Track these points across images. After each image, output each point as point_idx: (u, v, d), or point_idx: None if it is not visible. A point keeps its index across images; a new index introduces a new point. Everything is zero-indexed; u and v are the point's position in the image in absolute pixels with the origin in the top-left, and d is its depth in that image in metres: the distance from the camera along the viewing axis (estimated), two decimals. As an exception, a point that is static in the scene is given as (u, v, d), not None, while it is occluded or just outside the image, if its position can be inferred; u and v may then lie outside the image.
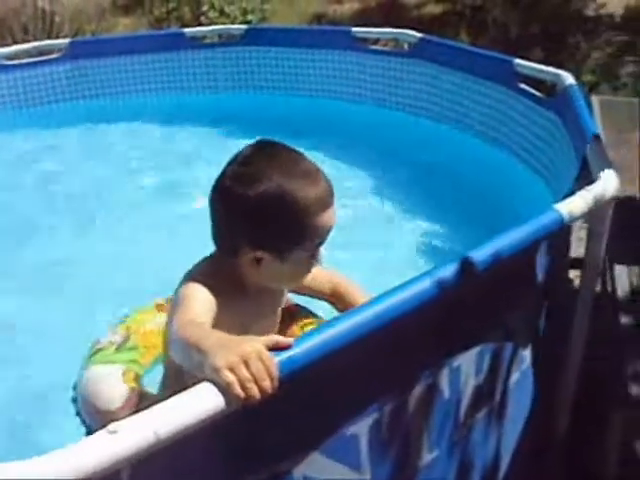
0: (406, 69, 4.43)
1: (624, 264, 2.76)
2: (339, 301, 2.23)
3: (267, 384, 1.23)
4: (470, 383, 1.78)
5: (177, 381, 1.32)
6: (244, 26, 5.33)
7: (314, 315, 2.35)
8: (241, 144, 1.84)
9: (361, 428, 1.54)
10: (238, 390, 1.21)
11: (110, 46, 5.06)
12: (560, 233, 1.97)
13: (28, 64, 4.90)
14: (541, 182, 3.40)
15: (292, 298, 2.34)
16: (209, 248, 1.88)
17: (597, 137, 2.44)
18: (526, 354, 2.00)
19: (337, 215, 1.84)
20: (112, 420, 1.13)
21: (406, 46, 4.54)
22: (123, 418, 1.14)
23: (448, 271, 1.57)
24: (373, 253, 3.28)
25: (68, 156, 4.55)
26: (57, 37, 6.13)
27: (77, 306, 2.84)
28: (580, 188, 1.98)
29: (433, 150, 4.12)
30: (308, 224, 1.75)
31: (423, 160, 4.07)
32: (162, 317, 2.47)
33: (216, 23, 6.81)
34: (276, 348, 1.30)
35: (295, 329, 2.25)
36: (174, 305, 1.74)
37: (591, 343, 2.24)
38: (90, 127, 4.88)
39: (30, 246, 3.45)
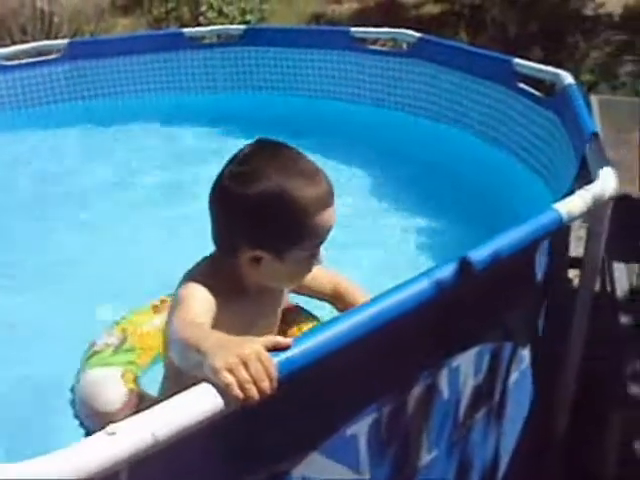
0: (405, 69, 4.43)
1: (623, 261, 2.76)
2: (339, 301, 2.23)
3: (266, 385, 1.23)
4: (469, 383, 1.78)
5: (177, 382, 1.32)
6: (243, 26, 5.33)
7: (313, 316, 2.35)
8: (240, 144, 1.84)
9: (360, 428, 1.54)
10: (237, 391, 1.21)
11: (109, 46, 5.06)
12: (559, 232, 1.97)
13: (27, 65, 4.89)
14: (540, 181, 3.40)
15: (292, 299, 2.34)
16: (208, 248, 1.88)
17: (596, 137, 2.44)
18: (525, 354, 1.99)
19: (336, 215, 1.83)
20: (112, 422, 1.13)
21: (405, 46, 4.54)
22: (123, 420, 1.14)
23: (447, 271, 1.56)
24: (371, 253, 3.28)
25: (67, 156, 4.55)
26: (56, 38, 6.13)
27: (78, 306, 2.84)
28: (579, 187, 1.98)
29: (432, 150, 4.12)
30: (307, 224, 1.75)
31: (422, 160, 4.06)
32: (158, 318, 2.48)
33: (215, 23, 6.82)
34: (275, 349, 1.30)
35: (294, 330, 2.25)
36: (173, 305, 1.74)
37: (590, 343, 2.24)
38: (89, 128, 4.88)
39: (30, 246, 3.45)
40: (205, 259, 1.87)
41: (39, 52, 4.96)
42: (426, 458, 1.73)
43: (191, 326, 1.54)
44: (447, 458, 1.80)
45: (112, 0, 8.26)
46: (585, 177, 2.17)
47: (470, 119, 4.10)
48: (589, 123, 2.64)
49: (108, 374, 2.25)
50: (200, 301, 1.69)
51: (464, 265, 1.59)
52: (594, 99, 4.30)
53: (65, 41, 5.15)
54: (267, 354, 1.26)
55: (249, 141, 1.84)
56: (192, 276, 1.78)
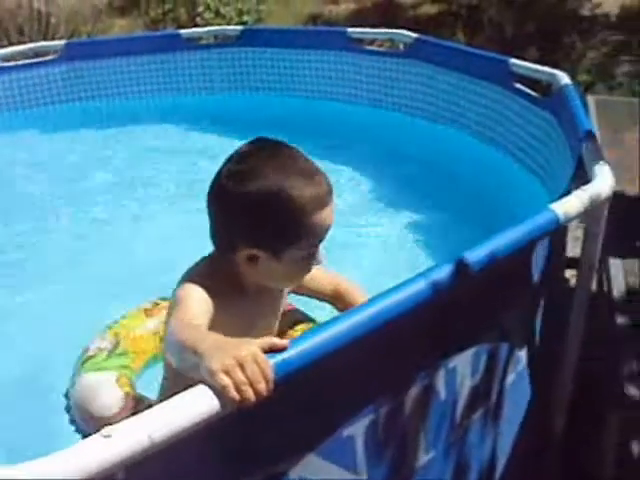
0: (402, 69, 4.44)
1: (619, 257, 2.76)
2: (340, 302, 2.21)
3: (262, 387, 1.23)
4: (466, 384, 1.78)
5: (176, 382, 1.32)
6: (240, 27, 5.33)
7: (310, 319, 2.35)
8: (237, 145, 1.83)
9: (357, 429, 1.54)
10: (233, 393, 1.21)
11: (106, 47, 5.06)
12: (556, 233, 1.97)
13: (24, 65, 4.90)
14: (537, 182, 3.41)
15: (292, 300, 2.33)
16: (207, 248, 1.87)
17: (593, 137, 2.45)
18: (522, 355, 2.00)
19: (334, 215, 1.82)
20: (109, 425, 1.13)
21: (402, 46, 4.55)
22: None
23: (443, 272, 1.56)
24: (369, 253, 3.28)
25: (64, 158, 4.54)
26: (53, 38, 6.12)
27: (78, 307, 2.84)
28: (576, 188, 1.98)
29: (429, 150, 4.13)
30: (304, 223, 1.73)
31: (419, 160, 4.07)
32: (150, 322, 2.49)
33: (212, 24, 6.82)
34: (272, 350, 1.29)
35: (292, 333, 2.24)
36: (171, 306, 1.74)
37: (587, 343, 2.24)
38: (86, 129, 4.88)
39: (29, 246, 3.45)
40: (203, 259, 1.86)
41: (36, 53, 4.96)
42: (423, 459, 1.73)
43: (188, 327, 1.54)
44: (444, 459, 1.80)
45: (109, 1, 8.27)
46: (582, 177, 2.18)
47: (467, 119, 4.11)
48: (586, 123, 2.64)
49: (103, 378, 2.25)
50: (197, 302, 1.68)
51: (461, 266, 1.59)
52: (591, 99, 4.31)
53: (62, 42, 5.15)
54: (263, 356, 1.26)
55: (246, 142, 1.84)
56: (190, 277, 1.78)
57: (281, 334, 2.16)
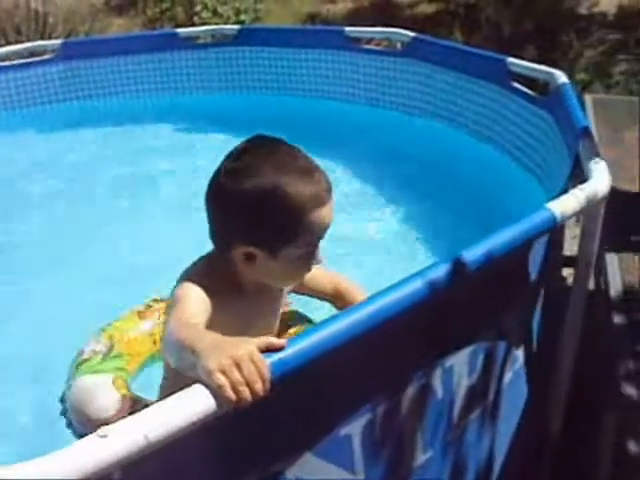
0: (399, 68, 4.44)
1: (614, 251, 2.77)
2: (340, 301, 2.21)
3: (259, 386, 1.23)
4: (463, 383, 1.78)
5: (176, 382, 1.32)
6: (237, 26, 5.32)
7: (308, 319, 2.35)
8: (234, 144, 1.82)
9: (354, 429, 1.54)
10: (229, 393, 1.21)
11: (103, 47, 5.06)
12: (553, 232, 1.97)
13: (21, 65, 4.89)
14: (534, 180, 3.41)
15: (292, 299, 2.33)
16: (207, 247, 1.87)
17: (590, 136, 2.45)
18: (519, 354, 2.00)
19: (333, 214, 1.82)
20: (107, 427, 1.14)
21: (399, 45, 4.55)
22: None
23: (440, 271, 1.56)
24: (367, 253, 3.28)
25: (62, 157, 4.53)
26: (50, 38, 6.11)
27: (79, 306, 2.85)
28: (573, 187, 1.98)
29: (426, 149, 4.12)
30: (301, 221, 1.72)
31: (416, 159, 4.07)
32: (144, 324, 2.49)
33: (209, 23, 6.80)
34: (269, 349, 1.29)
35: (289, 332, 2.24)
36: (170, 306, 1.73)
37: (584, 342, 2.24)
38: (84, 128, 4.87)
39: (29, 246, 3.45)
40: (201, 259, 1.86)
41: (33, 52, 4.96)
42: (421, 458, 1.73)
43: (186, 327, 1.53)
44: (442, 458, 1.80)
45: (106, 0, 8.26)
46: (579, 176, 2.18)
47: (464, 118, 4.11)
48: (583, 122, 2.64)
49: (99, 381, 2.25)
50: (196, 301, 1.68)
51: (458, 265, 1.59)
52: (588, 98, 4.30)
53: (59, 41, 5.15)
54: (260, 355, 1.26)
55: (245, 139, 1.83)
56: (188, 276, 1.77)
57: (279, 334, 2.16)
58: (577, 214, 1.94)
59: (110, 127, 4.87)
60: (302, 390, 1.38)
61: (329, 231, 1.80)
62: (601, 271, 2.77)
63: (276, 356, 1.29)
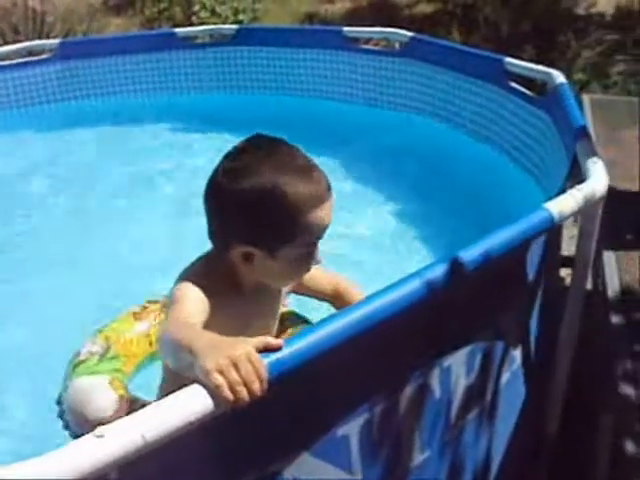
0: (397, 68, 4.44)
1: (611, 249, 2.77)
2: (339, 301, 2.21)
3: (256, 386, 1.23)
4: (461, 383, 1.78)
5: (175, 382, 1.32)
6: (235, 26, 5.33)
7: (306, 320, 2.35)
8: (232, 144, 1.82)
9: (352, 429, 1.54)
10: (227, 393, 1.20)
11: (101, 46, 5.06)
12: (551, 232, 1.97)
13: (19, 64, 4.89)
14: (532, 180, 3.41)
15: (292, 299, 2.33)
16: (200, 248, 1.87)
17: (587, 136, 2.45)
18: (517, 354, 2.00)
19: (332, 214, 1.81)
20: (104, 428, 1.13)
21: (397, 45, 4.55)
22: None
23: (438, 271, 1.56)
24: (365, 252, 3.28)
25: (60, 156, 4.53)
26: (48, 37, 6.11)
27: (80, 306, 2.84)
28: (571, 187, 1.98)
29: (425, 149, 4.12)
30: (300, 221, 1.72)
31: (415, 159, 4.07)
32: (140, 325, 2.49)
33: (207, 23, 6.81)
34: (267, 349, 1.29)
35: (287, 333, 2.24)
36: (168, 306, 1.73)
37: (582, 342, 2.24)
38: (82, 127, 4.87)
39: (28, 246, 3.45)
40: (200, 259, 1.85)
41: (31, 52, 4.95)
42: (418, 458, 1.73)
43: (184, 327, 1.53)
44: (439, 458, 1.80)
45: (104, 0, 8.25)
46: (576, 176, 2.18)
47: (462, 118, 4.12)
48: (580, 122, 2.64)
49: (96, 382, 2.25)
50: (193, 301, 1.67)
51: (455, 265, 1.59)
52: (586, 98, 4.31)
53: (57, 41, 5.16)
54: (257, 355, 1.26)
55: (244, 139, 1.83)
56: (186, 276, 1.77)
57: (277, 335, 2.16)
58: (575, 214, 1.94)
59: (108, 127, 4.87)
60: (300, 390, 1.38)
61: (328, 231, 1.79)
62: (599, 271, 2.77)
63: (273, 356, 1.29)
